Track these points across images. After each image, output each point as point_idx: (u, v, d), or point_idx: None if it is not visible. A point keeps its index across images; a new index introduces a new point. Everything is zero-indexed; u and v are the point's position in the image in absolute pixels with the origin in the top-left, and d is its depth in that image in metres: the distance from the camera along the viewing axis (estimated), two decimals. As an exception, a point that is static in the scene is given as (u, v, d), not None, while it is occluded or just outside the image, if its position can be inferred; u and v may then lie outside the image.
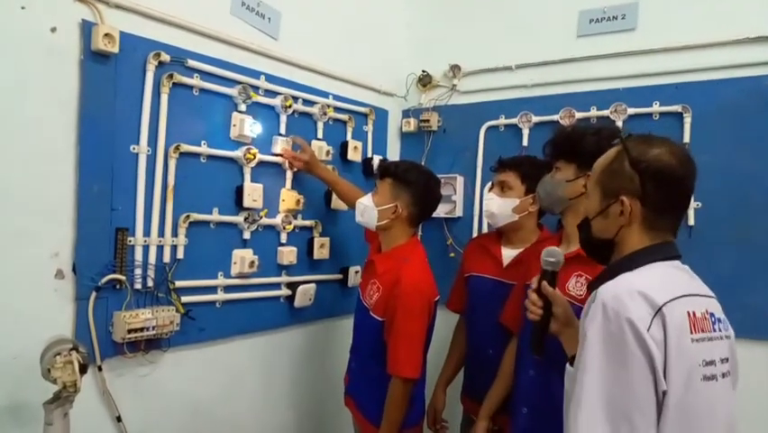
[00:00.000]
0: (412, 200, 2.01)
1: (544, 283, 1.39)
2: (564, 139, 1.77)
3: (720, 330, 1.13)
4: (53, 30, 1.62)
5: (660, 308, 1.03)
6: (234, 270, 2.13)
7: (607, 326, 1.04)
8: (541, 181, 1.85)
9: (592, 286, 1.19)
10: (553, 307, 1.38)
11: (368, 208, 2.05)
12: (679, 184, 1.16)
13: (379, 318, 1.96)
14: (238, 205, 2.12)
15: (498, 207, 2.07)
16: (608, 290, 1.08)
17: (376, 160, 2.72)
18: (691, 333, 1.06)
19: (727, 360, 1.13)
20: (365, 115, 2.75)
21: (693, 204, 2.21)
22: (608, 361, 1.03)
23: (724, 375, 1.10)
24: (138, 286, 1.83)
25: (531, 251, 2.03)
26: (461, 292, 2.26)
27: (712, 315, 1.13)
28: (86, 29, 1.67)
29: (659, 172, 1.15)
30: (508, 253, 2.11)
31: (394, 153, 3.00)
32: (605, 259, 1.26)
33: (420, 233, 2.73)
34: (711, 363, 1.08)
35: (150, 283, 1.86)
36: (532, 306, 1.41)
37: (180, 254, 1.95)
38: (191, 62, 1.94)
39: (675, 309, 1.05)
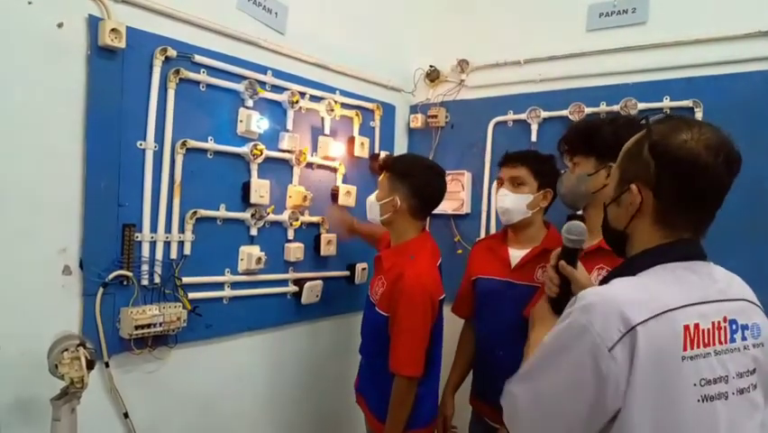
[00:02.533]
0: (410, 192, 1.99)
1: (562, 262, 1.28)
2: (579, 133, 1.75)
3: (746, 339, 1.01)
4: (60, 25, 1.62)
5: (634, 327, 0.92)
6: (241, 266, 2.12)
7: (563, 332, 0.98)
8: (559, 179, 1.84)
9: (602, 283, 1.10)
10: (572, 286, 1.26)
11: (372, 204, 2.06)
12: (703, 176, 1.00)
13: (384, 313, 1.95)
14: (245, 201, 2.11)
15: (513, 202, 2.04)
16: (582, 298, 0.99)
17: (383, 156, 2.70)
18: (686, 349, 0.94)
19: (752, 372, 1.01)
20: (372, 111, 2.74)
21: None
22: (553, 367, 0.99)
23: (741, 391, 0.98)
24: (145, 282, 1.83)
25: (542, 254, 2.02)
26: (468, 298, 2.23)
27: (733, 322, 1.01)
28: (93, 24, 1.67)
29: (678, 161, 1.00)
30: (516, 254, 2.09)
31: (401, 149, 2.99)
32: (620, 251, 1.16)
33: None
34: (718, 380, 0.96)
35: (156, 279, 1.86)
36: (548, 282, 1.32)
37: (187, 251, 1.94)
38: (198, 58, 1.93)
39: (663, 325, 0.94)
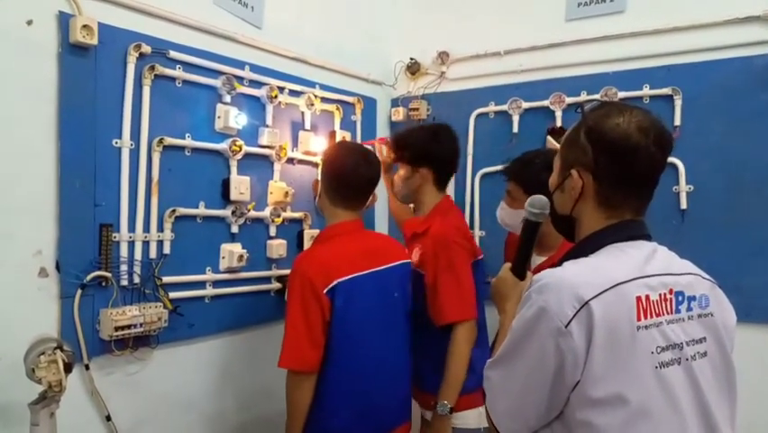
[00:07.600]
0: None
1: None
2: (393, 141, 2.23)
3: (691, 309, 1.07)
4: (29, 22, 1.58)
5: (587, 303, 0.97)
6: (223, 264, 2.10)
7: (526, 316, 1.03)
8: None
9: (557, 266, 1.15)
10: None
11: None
12: (636, 156, 1.07)
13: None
14: (225, 198, 2.08)
15: (509, 217, 2.08)
16: (538, 280, 1.04)
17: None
18: (640, 319, 1.00)
19: (700, 341, 1.07)
20: (353, 105, 2.71)
21: (685, 187, 2.20)
22: (520, 350, 1.05)
23: (695, 357, 1.05)
24: (124, 283, 1.80)
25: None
26: None
27: (679, 294, 1.06)
28: (64, 21, 1.63)
29: (613, 143, 1.08)
30: (536, 260, 2.05)
31: (383, 143, 2.97)
32: (570, 235, 1.22)
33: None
34: (671, 347, 1.02)
35: (136, 280, 1.82)
36: None
37: (167, 250, 1.91)
38: (173, 53, 1.90)
39: (616, 298, 0.99)
